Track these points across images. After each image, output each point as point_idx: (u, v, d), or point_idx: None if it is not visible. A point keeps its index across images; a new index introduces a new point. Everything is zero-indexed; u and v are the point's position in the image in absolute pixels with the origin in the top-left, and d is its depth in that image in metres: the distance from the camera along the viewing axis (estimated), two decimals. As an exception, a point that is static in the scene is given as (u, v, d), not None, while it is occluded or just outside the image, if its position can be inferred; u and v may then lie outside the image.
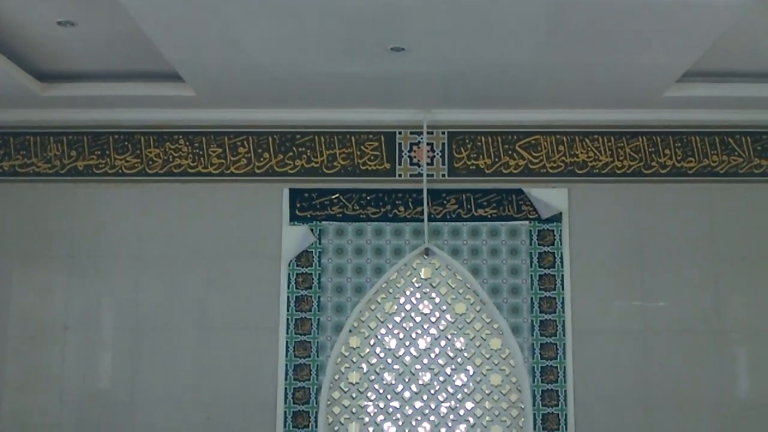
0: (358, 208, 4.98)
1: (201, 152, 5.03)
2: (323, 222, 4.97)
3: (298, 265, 4.93)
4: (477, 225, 4.95)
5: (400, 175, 5.00)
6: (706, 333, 4.84)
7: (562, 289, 4.87)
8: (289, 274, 4.91)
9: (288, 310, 4.88)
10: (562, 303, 4.86)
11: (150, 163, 5.04)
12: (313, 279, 4.92)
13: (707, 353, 4.82)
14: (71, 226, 4.99)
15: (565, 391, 4.78)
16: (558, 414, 4.76)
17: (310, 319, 4.88)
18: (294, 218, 4.96)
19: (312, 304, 4.89)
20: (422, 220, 4.93)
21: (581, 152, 4.99)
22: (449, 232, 4.95)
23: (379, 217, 4.97)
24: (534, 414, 4.77)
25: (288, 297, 4.89)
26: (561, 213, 4.93)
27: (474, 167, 4.99)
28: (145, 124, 5.03)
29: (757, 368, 4.83)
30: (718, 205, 4.94)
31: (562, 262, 4.90)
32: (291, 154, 5.02)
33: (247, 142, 5.03)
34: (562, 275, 4.88)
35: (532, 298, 4.87)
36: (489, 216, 4.95)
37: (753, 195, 4.95)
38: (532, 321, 4.85)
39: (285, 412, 4.78)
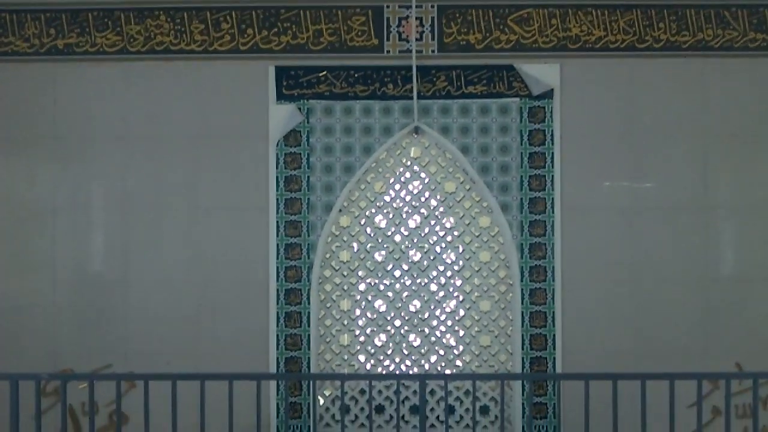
0: (346, 85, 4.89)
1: (183, 29, 4.88)
2: (311, 100, 4.88)
3: (286, 145, 4.88)
4: (467, 102, 4.88)
5: (388, 51, 4.89)
6: (694, 210, 4.87)
7: (552, 166, 4.86)
8: (277, 154, 4.87)
9: (277, 190, 4.86)
10: (552, 181, 4.86)
11: (131, 40, 4.89)
12: (301, 159, 4.88)
13: (695, 230, 4.86)
14: (54, 107, 4.90)
15: (553, 267, 4.84)
16: (545, 289, 4.84)
17: (300, 198, 4.87)
18: (281, 97, 4.88)
19: (301, 184, 4.87)
20: (411, 98, 4.85)
21: (574, 26, 4.87)
22: (439, 109, 4.89)
23: (367, 95, 4.89)
24: (522, 289, 4.84)
25: (277, 177, 4.87)
26: (552, 89, 4.85)
27: (464, 42, 4.88)
28: (124, 0, 4.86)
29: (743, 244, 4.89)
30: (712, 80, 4.87)
31: (552, 139, 4.86)
32: (276, 29, 4.88)
33: (230, 18, 4.87)
34: (552, 153, 4.86)
35: (521, 176, 4.87)
36: (479, 93, 4.88)
37: (747, 69, 4.87)
38: (521, 199, 4.86)
39: (278, 290, 4.84)
